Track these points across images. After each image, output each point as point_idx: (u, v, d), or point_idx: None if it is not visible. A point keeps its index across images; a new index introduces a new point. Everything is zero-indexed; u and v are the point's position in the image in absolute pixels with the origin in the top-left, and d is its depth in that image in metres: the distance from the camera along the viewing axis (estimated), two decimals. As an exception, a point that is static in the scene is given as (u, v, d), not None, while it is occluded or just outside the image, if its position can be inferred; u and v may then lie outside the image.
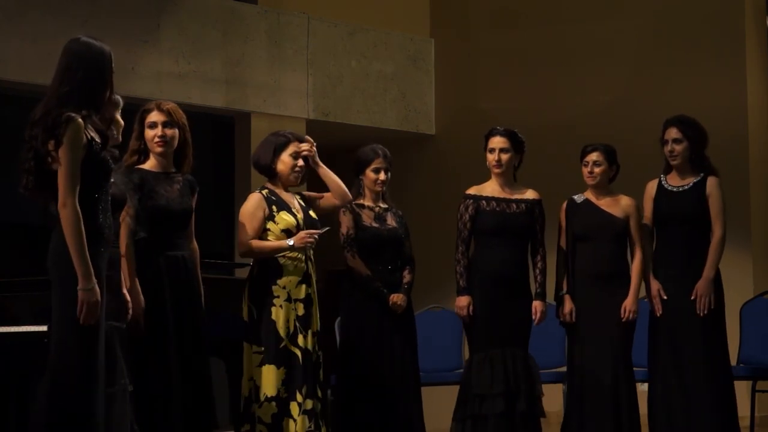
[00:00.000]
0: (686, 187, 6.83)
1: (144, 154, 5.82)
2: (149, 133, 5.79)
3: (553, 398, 8.02)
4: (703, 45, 10.00)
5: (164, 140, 5.77)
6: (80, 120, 4.59)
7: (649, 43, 10.25)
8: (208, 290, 5.98)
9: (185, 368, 5.63)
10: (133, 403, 5.27)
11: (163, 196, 5.73)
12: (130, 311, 5.36)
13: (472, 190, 6.82)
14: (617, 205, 6.90)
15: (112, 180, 5.13)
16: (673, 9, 10.17)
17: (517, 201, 6.78)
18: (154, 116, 5.79)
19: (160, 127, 5.77)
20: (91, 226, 4.60)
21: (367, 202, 6.70)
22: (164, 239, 5.73)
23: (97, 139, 4.67)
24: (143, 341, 5.52)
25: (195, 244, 5.89)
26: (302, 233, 6.12)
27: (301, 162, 6.28)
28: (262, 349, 6.06)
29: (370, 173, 6.69)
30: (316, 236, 6.13)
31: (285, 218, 6.18)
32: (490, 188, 6.81)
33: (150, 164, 5.80)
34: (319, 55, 10.43)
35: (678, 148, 6.82)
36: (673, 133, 6.82)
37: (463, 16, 11.19)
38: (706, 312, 6.66)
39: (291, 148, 6.29)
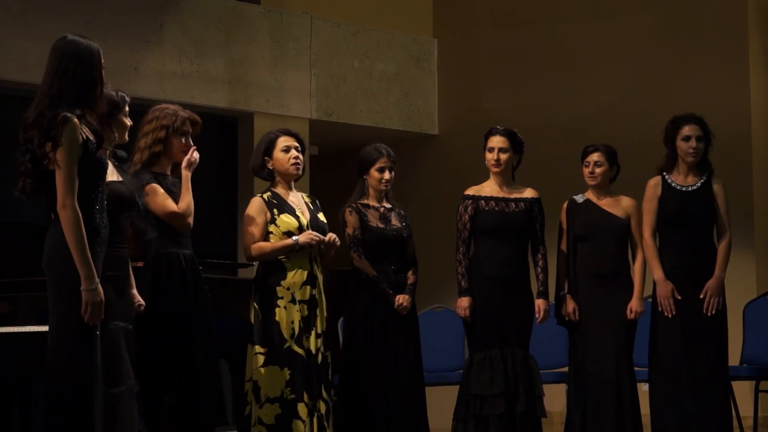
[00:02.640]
0: (695, 187, 6.78)
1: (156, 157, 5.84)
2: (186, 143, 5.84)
3: (556, 398, 8.02)
4: (706, 45, 9.97)
5: None
6: (75, 120, 4.58)
7: (650, 42, 10.23)
8: (212, 290, 6.00)
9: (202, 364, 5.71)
10: (139, 402, 5.28)
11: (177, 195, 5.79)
12: (141, 309, 5.37)
13: (470, 191, 6.81)
14: (618, 206, 6.88)
15: (120, 179, 5.14)
16: (675, 8, 10.15)
17: (516, 200, 6.77)
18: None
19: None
20: (88, 226, 4.60)
21: (372, 202, 6.69)
22: (186, 239, 5.81)
23: (92, 138, 4.66)
24: (168, 341, 5.57)
25: None
26: (308, 231, 6.15)
27: (295, 153, 6.27)
28: (266, 350, 6.06)
29: (374, 173, 6.67)
30: (323, 239, 6.16)
31: (286, 221, 6.17)
32: (489, 188, 6.80)
33: (160, 167, 5.82)
34: (322, 55, 10.43)
35: (701, 146, 6.77)
36: (696, 130, 6.76)
37: (466, 17, 11.19)
38: (714, 312, 6.65)
39: (280, 144, 6.28)
